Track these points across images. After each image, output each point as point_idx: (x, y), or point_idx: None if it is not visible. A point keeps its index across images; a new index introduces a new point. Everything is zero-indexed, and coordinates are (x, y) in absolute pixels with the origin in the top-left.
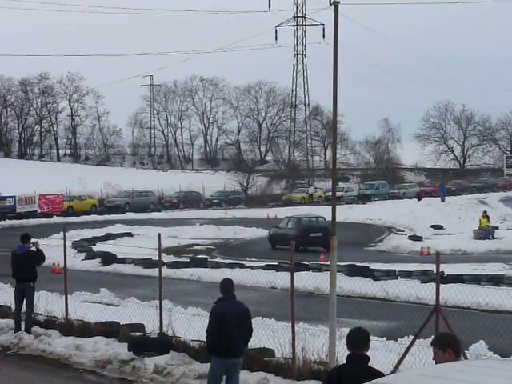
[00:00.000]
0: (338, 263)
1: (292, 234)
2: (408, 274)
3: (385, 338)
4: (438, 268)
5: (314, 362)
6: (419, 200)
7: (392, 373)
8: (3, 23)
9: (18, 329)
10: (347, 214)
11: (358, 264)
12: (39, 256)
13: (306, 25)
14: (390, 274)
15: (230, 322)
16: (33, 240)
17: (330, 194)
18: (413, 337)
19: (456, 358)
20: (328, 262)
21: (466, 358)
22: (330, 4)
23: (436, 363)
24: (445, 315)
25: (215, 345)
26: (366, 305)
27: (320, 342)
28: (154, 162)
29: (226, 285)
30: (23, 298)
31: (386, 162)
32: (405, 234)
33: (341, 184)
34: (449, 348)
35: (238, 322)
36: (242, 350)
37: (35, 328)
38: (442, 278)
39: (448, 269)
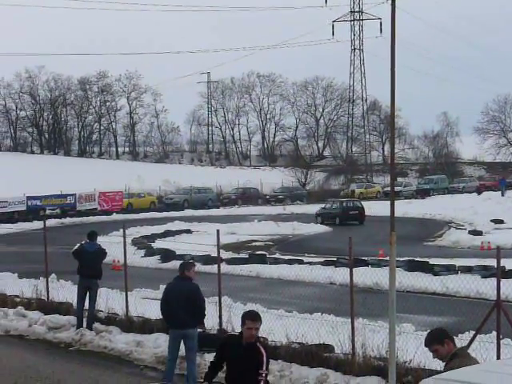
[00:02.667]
0: (398, 258)
1: (336, 212)
2: (468, 269)
3: None
4: (498, 263)
5: (373, 357)
6: (479, 194)
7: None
8: (63, 23)
9: (79, 325)
10: (406, 208)
11: (417, 259)
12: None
13: (362, 19)
14: (450, 269)
15: (171, 297)
16: None
17: (388, 189)
18: (474, 332)
19: (454, 346)
20: (387, 258)
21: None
22: None
23: (441, 359)
24: (506, 310)
25: (164, 317)
26: (425, 300)
27: (380, 338)
28: (212, 158)
29: (180, 265)
30: (86, 295)
31: (444, 157)
32: (465, 229)
33: (399, 179)
34: (445, 339)
35: (179, 298)
36: (185, 322)
37: (96, 325)
38: (502, 273)
39: (509, 263)
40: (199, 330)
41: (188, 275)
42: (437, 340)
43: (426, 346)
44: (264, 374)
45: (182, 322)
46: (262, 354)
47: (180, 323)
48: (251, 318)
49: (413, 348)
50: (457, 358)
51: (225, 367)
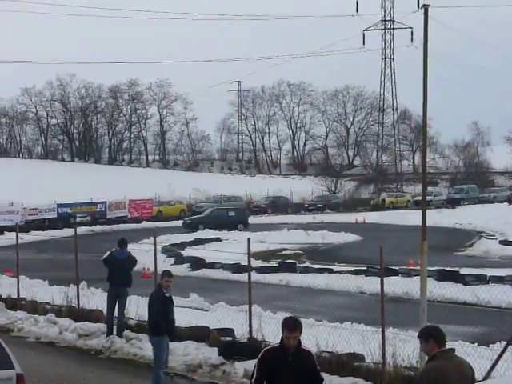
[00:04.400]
0: (428, 268)
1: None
2: (499, 279)
3: (476, 344)
4: None
5: (404, 367)
6: (510, 204)
7: (484, 379)
8: (94, 31)
9: (110, 333)
10: (436, 218)
11: (447, 269)
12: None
13: (393, 28)
14: (481, 279)
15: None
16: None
17: (419, 198)
18: (505, 343)
19: (438, 347)
20: (417, 267)
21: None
22: (419, 7)
23: (425, 353)
24: None
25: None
26: (456, 310)
27: (410, 348)
28: (242, 167)
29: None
30: (116, 303)
31: (475, 166)
32: (495, 239)
33: (430, 188)
34: (430, 338)
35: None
36: (122, 282)
37: (126, 332)
38: None
39: None
40: (228, 338)
41: (160, 283)
42: (423, 336)
43: (417, 337)
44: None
45: (122, 282)
46: (310, 352)
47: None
48: (288, 328)
49: None
50: (434, 360)
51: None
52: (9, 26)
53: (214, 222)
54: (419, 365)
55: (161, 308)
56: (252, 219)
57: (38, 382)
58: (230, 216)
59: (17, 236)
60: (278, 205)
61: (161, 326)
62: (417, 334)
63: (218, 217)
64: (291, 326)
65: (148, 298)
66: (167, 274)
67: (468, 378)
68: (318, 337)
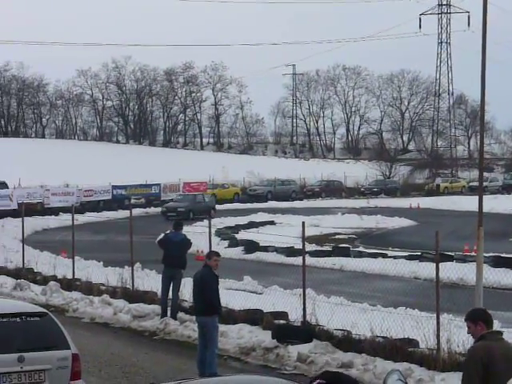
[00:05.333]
0: (484, 254)
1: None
2: None
3: None
4: None
5: (459, 353)
6: None
7: None
8: (149, 14)
9: (164, 314)
10: (492, 204)
11: (503, 255)
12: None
13: (450, 12)
14: None
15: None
16: None
17: (474, 183)
18: None
19: (487, 329)
20: (472, 253)
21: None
22: None
23: (472, 336)
24: None
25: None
26: None
27: (465, 334)
28: (296, 150)
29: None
30: (170, 284)
31: None
32: None
33: (485, 174)
34: (480, 321)
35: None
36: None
37: (180, 314)
38: None
39: None
40: (282, 321)
41: (209, 264)
42: (471, 318)
43: (464, 320)
44: None
45: (197, 309)
46: None
47: (195, 310)
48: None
49: None
50: (482, 340)
51: None
52: (64, 8)
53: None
54: None
55: (216, 287)
56: (305, 203)
57: (92, 362)
58: (202, 202)
59: (72, 217)
60: (332, 189)
61: (218, 305)
62: (487, 320)
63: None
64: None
65: (194, 278)
66: (216, 253)
67: None
68: (372, 322)
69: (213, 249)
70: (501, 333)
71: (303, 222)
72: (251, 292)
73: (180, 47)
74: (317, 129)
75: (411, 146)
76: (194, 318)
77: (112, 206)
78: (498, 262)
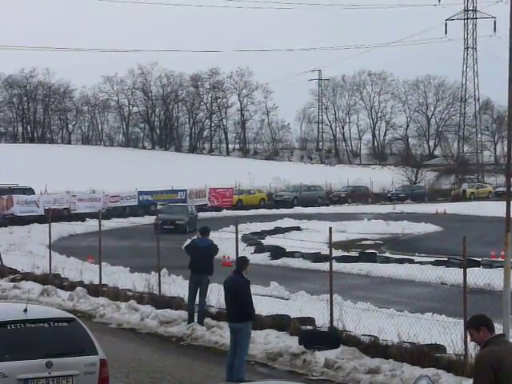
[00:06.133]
0: (511, 260)
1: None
2: None
3: None
4: None
5: None
6: None
7: None
8: (175, 21)
9: (190, 320)
10: None
11: None
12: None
13: (476, 18)
14: None
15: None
16: None
17: (500, 189)
18: None
19: (490, 334)
20: (499, 258)
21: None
22: None
23: (476, 343)
24: None
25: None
26: None
27: None
28: (322, 156)
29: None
30: (197, 290)
31: None
32: None
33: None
34: (482, 326)
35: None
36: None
37: (207, 320)
38: None
39: None
40: (308, 327)
41: (241, 269)
42: (473, 325)
43: (465, 328)
44: None
45: (231, 315)
46: None
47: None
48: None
49: None
50: (488, 346)
51: None
52: (91, 15)
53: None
54: None
55: (250, 293)
56: (331, 209)
57: (119, 368)
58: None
59: (99, 223)
60: (358, 194)
61: (252, 311)
62: (499, 326)
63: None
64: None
65: (226, 285)
66: (248, 261)
67: None
68: (399, 327)
69: (240, 254)
70: (504, 335)
71: (330, 228)
72: (278, 298)
73: (206, 53)
74: (343, 134)
75: (437, 152)
76: (220, 323)
77: (138, 211)
78: None
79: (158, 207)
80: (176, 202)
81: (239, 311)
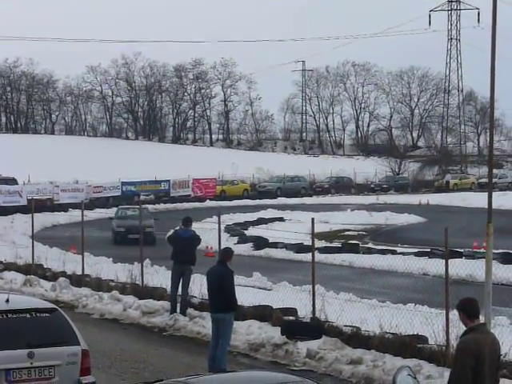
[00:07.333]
0: (493, 251)
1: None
2: None
3: None
4: None
5: None
6: None
7: None
8: (157, 11)
9: (173, 311)
10: (501, 200)
11: None
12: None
13: (460, 9)
14: None
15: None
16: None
17: (483, 180)
18: None
19: (470, 321)
20: (482, 249)
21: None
22: None
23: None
24: None
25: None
26: None
27: None
28: (306, 147)
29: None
30: (180, 281)
31: None
32: None
33: (495, 170)
34: (460, 311)
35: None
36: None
37: (190, 310)
38: None
39: None
40: (291, 318)
41: (225, 259)
42: (457, 307)
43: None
44: None
45: (214, 306)
46: None
47: (212, 307)
48: None
49: (508, 341)
50: (472, 333)
51: None
52: (75, 5)
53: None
54: None
55: (233, 284)
56: (315, 199)
57: (101, 358)
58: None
59: (82, 213)
60: (342, 185)
61: (235, 301)
62: (481, 316)
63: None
64: None
65: (209, 275)
66: (232, 252)
67: (497, 352)
68: (381, 318)
69: (222, 245)
70: (485, 324)
71: (312, 219)
72: (260, 288)
73: (190, 43)
74: (326, 125)
75: (421, 143)
76: (202, 313)
77: (121, 202)
78: (507, 259)
79: (115, 215)
80: (159, 193)
81: (223, 301)
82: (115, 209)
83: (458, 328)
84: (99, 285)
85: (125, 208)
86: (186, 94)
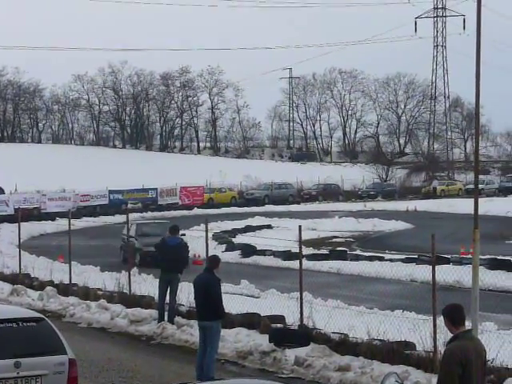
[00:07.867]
0: (480, 256)
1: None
2: None
3: None
4: None
5: None
6: None
7: None
8: (146, 19)
9: (161, 319)
10: (488, 206)
11: (499, 257)
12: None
13: (446, 16)
14: None
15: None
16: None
17: (471, 186)
18: None
19: (454, 327)
20: (469, 255)
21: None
22: None
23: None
24: None
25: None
26: (508, 299)
27: None
28: (293, 154)
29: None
30: (167, 289)
31: None
32: None
33: (481, 176)
34: (445, 317)
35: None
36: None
37: (178, 318)
38: None
39: None
40: (279, 325)
41: (212, 267)
42: (442, 312)
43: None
44: None
45: (201, 314)
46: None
47: (199, 315)
48: None
49: (495, 347)
50: (457, 340)
51: None
52: (61, 14)
53: None
54: None
55: (220, 292)
56: (302, 206)
57: (89, 367)
58: None
59: (69, 222)
60: (329, 192)
61: (223, 309)
62: (468, 322)
63: None
64: None
65: (196, 283)
66: (219, 258)
67: (483, 358)
68: (369, 324)
69: (210, 253)
70: (471, 331)
71: (300, 226)
72: (248, 296)
73: (176, 51)
74: (313, 132)
75: (408, 149)
76: (190, 322)
77: (109, 210)
78: (494, 265)
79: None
80: (147, 201)
81: (210, 309)
82: (102, 217)
83: (445, 334)
84: (87, 294)
85: (145, 224)
86: (173, 102)
